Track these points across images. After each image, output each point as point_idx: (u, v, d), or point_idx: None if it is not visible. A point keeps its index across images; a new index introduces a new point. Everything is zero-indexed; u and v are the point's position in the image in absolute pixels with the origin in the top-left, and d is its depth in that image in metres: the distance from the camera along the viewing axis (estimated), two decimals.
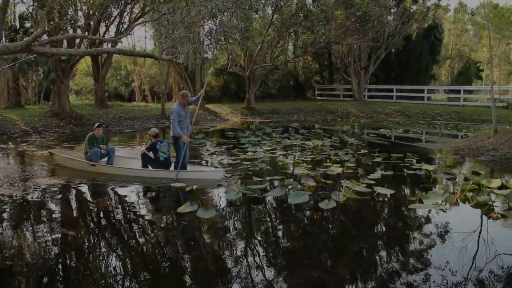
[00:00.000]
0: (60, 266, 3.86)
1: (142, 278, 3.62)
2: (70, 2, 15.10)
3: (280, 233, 4.74)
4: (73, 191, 6.48)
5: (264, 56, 22.06)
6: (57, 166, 8.11)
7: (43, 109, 16.98)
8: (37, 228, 4.73)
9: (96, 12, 15.69)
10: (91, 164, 7.47)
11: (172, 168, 7.22)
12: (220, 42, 17.15)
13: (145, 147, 7.39)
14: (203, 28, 17.64)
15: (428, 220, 5.18)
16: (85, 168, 7.58)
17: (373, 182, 6.75)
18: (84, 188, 6.68)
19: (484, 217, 5.17)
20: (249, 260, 3.96)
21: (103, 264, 3.88)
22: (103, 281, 3.54)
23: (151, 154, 7.31)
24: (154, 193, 6.42)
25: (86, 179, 7.10)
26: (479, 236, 4.54)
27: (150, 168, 7.27)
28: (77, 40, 15.69)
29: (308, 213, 5.53)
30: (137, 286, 3.50)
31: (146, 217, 5.19)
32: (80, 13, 16.21)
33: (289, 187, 6.41)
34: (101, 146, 7.85)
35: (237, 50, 20.81)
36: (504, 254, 4.03)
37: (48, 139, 12.46)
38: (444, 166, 8.70)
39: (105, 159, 7.80)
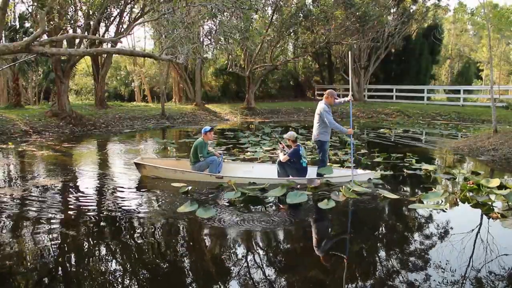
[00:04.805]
0: (59, 266, 3.86)
1: (141, 278, 3.62)
2: (70, 2, 15.11)
3: (279, 233, 4.74)
4: (75, 192, 6.48)
5: (264, 56, 22.08)
6: (144, 177, 7.12)
7: (43, 109, 16.98)
8: (37, 228, 4.72)
9: (96, 12, 15.69)
10: (217, 177, 6.59)
11: (310, 174, 6.69)
12: (220, 42, 17.16)
13: (287, 154, 6.64)
14: (203, 28, 17.67)
15: (428, 220, 5.18)
16: (201, 179, 6.72)
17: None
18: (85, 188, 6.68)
19: (484, 217, 5.17)
20: (248, 260, 3.96)
21: (103, 264, 3.88)
22: (102, 281, 3.54)
23: (291, 162, 6.63)
24: (153, 193, 6.41)
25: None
26: (479, 236, 4.54)
27: (290, 176, 6.65)
28: (77, 40, 15.70)
29: (307, 213, 5.53)
30: (136, 286, 3.50)
31: (146, 217, 5.18)
32: (80, 13, 16.21)
33: (289, 187, 6.39)
34: (216, 153, 7.19)
35: (237, 50, 20.82)
36: (504, 254, 4.03)
37: (48, 139, 12.46)
38: (444, 166, 8.70)
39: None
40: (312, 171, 6.86)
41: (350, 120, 7.12)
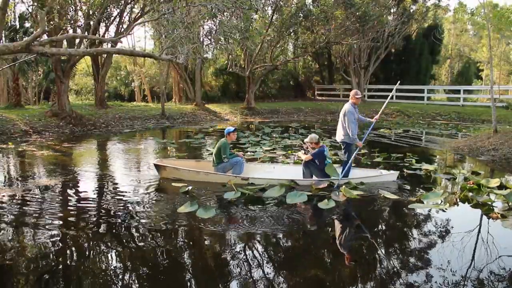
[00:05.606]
0: (60, 266, 3.86)
1: (141, 278, 3.62)
2: (70, 2, 15.10)
3: (279, 233, 4.73)
4: (75, 192, 6.48)
5: (264, 56, 22.08)
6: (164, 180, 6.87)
7: (43, 109, 16.98)
8: (37, 228, 4.72)
9: (96, 12, 15.69)
10: (243, 178, 6.47)
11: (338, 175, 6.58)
12: (220, 42, 17.15)
13: (309, 154, 6.63)
14: (203, 28, 17.66)
15: (428, 220, 5.18)
16: (225, 181, 6.41)
17: None
18: (87, 186, 6.69)
19: (484, 217, 5.17)
20: (248, 260, 3.96)
21: (102, 264, 3.88)
22: (102, 281, 3.54)
23: (316, 162, 6.61)
24: (152, 194, 6.40)
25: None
26: (479, 236, 4.54)
27: (314, 177, 6.63)
28: (77, 40, 15.69)
29: (307, 213, 5.52)
30: (136, 286, 3.50)
31: (146, 217, 5.18)
32: (80, 13, 16.21)
33: (289, 187, 6.39)
34: (240, 154, 7.11)
35: (237, 50, 20.82)
36: (504, 254, 4.03)
37: (48, 139, 12.46)
38: (444, 166, 8.70)
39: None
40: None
41: (365, 136, 7.13)
